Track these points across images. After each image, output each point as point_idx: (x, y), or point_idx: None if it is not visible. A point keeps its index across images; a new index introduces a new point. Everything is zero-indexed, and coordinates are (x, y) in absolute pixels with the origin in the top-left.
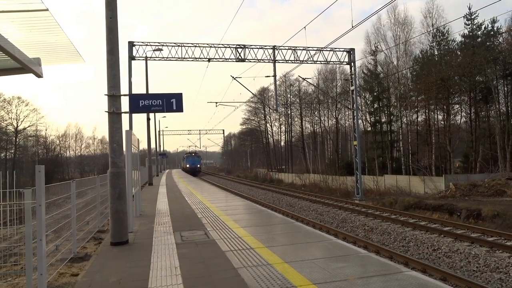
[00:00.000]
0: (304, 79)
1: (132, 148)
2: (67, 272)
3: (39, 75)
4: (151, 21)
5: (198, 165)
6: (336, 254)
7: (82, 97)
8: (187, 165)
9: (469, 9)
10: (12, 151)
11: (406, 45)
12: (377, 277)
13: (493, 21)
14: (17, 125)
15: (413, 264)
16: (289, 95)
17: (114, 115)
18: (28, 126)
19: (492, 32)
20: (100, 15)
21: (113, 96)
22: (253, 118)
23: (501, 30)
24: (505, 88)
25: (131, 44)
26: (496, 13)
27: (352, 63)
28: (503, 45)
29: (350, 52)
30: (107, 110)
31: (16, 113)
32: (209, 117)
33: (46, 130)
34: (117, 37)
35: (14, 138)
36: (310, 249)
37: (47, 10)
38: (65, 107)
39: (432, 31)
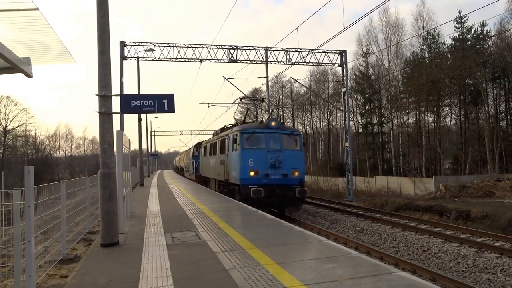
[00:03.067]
0: (296, 80)
1: (123, 149)
2: (56, 274)
3: (28, 75)
4: (144, 21)
5: (298, 171)
6: (327, 255)
7: (73, 97)
8: (251, 171)
9: (459, 12)
10: (1, 151)
11: (397, 48)
12: (368, 278)
13: (483, 25)
14: (6, 125)
15: (403, 265)
16: (281, 96)
17: (105, 116)
18: (17, 126)
19: (481, 36)
20: (92, 15)
21: (104, 97)
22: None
23: (490, 33)
24: (494, 91)
25: (122, 44)
26: (485, 17)
27: (344, 65)
28: (492, 48)
29: (342, 54)
30: (98, 110)
31: (5, 112)
32: (201, 118)
33: (35, 130)
34: (108, 37)
35: (2, 138)
36: (301, 250)
37: (37, 9)
38: (56, 107)
39: (423, 34)
